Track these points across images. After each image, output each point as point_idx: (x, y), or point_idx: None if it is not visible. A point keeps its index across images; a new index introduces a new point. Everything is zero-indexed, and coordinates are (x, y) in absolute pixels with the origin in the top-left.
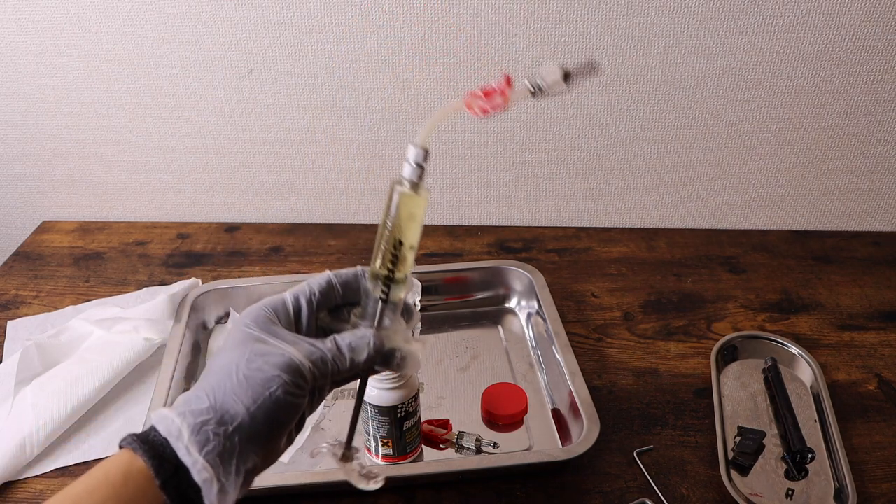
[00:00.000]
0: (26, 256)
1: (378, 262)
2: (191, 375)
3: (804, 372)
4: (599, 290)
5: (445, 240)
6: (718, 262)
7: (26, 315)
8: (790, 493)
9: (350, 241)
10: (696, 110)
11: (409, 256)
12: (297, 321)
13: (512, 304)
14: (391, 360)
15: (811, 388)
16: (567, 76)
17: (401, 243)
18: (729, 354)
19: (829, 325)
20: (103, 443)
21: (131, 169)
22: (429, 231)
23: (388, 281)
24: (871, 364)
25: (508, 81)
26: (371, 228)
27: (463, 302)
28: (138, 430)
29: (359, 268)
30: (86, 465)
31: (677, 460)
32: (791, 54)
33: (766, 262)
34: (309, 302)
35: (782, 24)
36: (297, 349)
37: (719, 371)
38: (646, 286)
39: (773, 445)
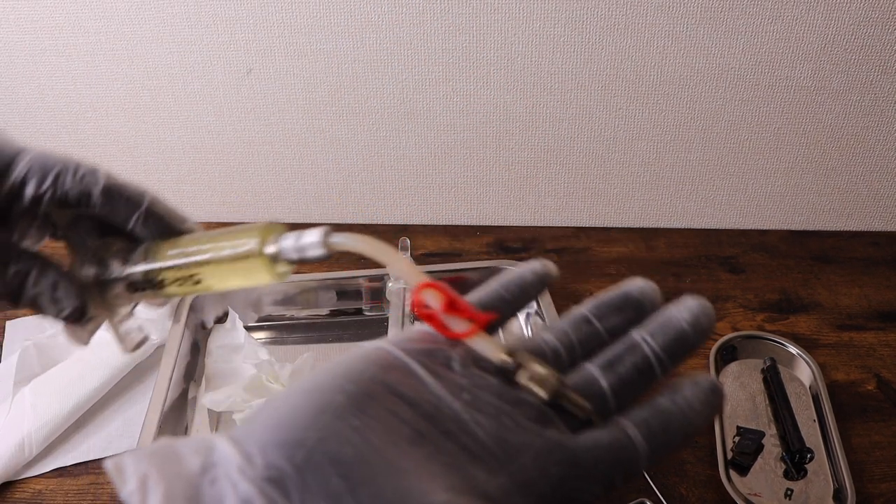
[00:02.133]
0: None
1: (171, 262)
2: (190, 375)
3: (803, 372)
4: (599, 290)
5: (444, 240)
6: (717, 261)
7: (25, 315)
8: (789, 493)
9: None
10: (695, 110)
11: (187, 292)
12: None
13: None
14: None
15: (810, 388)
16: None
17: (198, 282)
18: (728, 354)
19: (829, 325)
20: (102, 443)
21: (130, 169)
22: (428, 231)
23: (149, 284)
24: (870, 364)
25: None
26: (371, 228)
27: None
28: (137, 430)
29: (145, 200)
30: (85, 465)
31: (676, 460)
32: (791, 54)
33: (765, 262)
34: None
35: (782, 23)
36: None
37: (718, 371)
38: None
39: (772, 445)
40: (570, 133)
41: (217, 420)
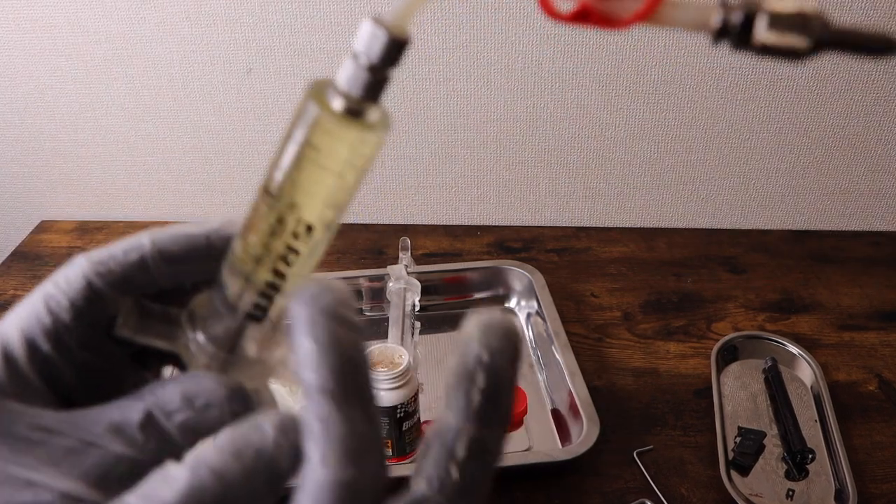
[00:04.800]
0: (24, 256)
1: (255, 251)
2: None
3: (804, 372)
4: (599, 290)
5: (445, 240)
6: (718, 261)
7: None
8: (790, 493)
9: (349, 241)
10: (696, 110)
11: (321, 247)
12: (47, 367)
13: (511, 304)
14: (247, 409)
15: (811, 388)
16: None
17: (309, 228)
18: (729, 354)
19: (830, 325)
20: None
21: (130, 168)
22: (428, 231)
23: (272, 290)
24: (871, 364)
25: None
26: (371, 228)
27: (463, 302)
28: None
29: (220, 225)
30: None
31: (677, 460)
32: None
33: (766, 262)
34: (61, 325)
35: None
36: (62, 471)
37: (719, 371)
38: (646, 286)
39: (773, 446)
40: (570, 133)
41: None
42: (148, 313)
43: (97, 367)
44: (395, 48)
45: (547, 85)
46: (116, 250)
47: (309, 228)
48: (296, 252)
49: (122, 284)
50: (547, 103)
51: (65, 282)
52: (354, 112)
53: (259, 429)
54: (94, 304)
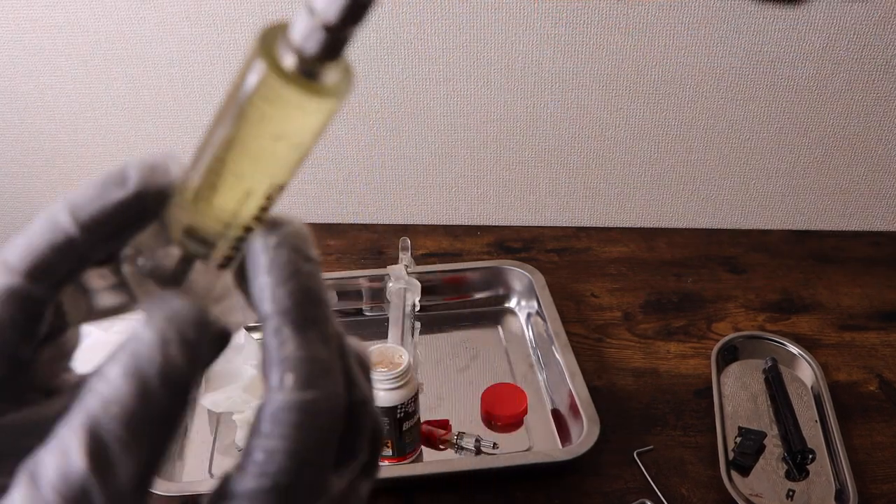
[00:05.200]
0: None
1: (205, 193)
2: None
3: (805, 372)
4: (599, 290)
5: (445, 240)
6: (718, 261)
7: None
8: (791, 493)
9: (349, 241)
10: (696, 110)
11: (253, 209)
12: None
13: (512, 304)
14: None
15: (812, 388)
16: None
17: (245, 186)
18: (729, 354)
19: (830, 325)
20: None
21: None
22: (428, 231)
23: (218, 239)
24: (871, 364)
25: None
26: (371, 228)
27: (463, 302)
28: None
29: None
30: None
31: (677, 461)
32: (791, 54)
33: (766, 262)
34: None
35: (783, 23)
36: None
37: (720, 371)
38: (646, 286)
39: (773, 446)
40: (571, 133)
41: (217, 420)
42: (87, 291)
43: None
44: (357, 6)
45: (547, 85)
46: (35, 239)
47: (245, 185)
48: (229, 200)
49: (50, 279)
50: (547, 103)
51: None
52: (308, 73)
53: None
54: (26, 310)
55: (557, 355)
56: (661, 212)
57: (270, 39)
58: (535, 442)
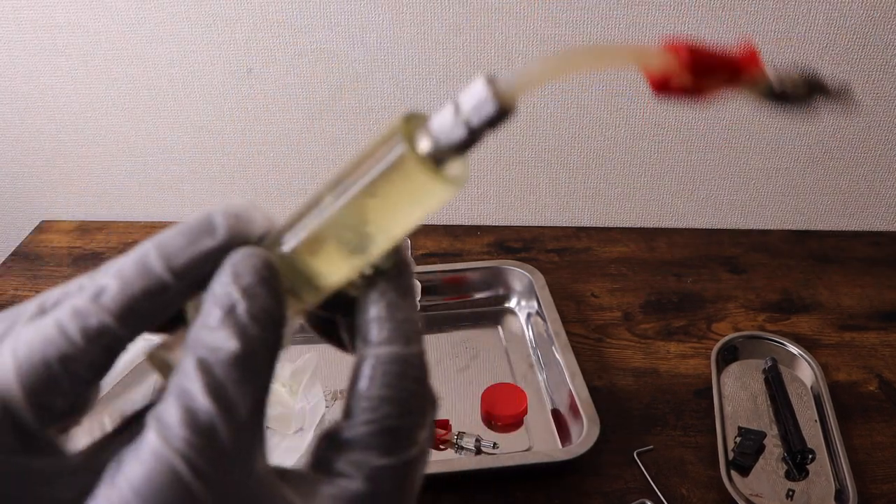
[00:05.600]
0: (24, 256)
1: (303, 251)
2: None
3: (805, 372)
4: (599, 290)
5: (445, 240)
6: (718, 262)
7: None
8: (790, 493)
9: None
10: (696, 110)
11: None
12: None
13: (512, 304)
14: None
15: (812, 388)
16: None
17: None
18: (729, 354)
19: (830, 325)
20: None
21: (130, 168)
22: (428, 231)
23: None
24: (871, 364)
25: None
26: None
27: (463, 302)
28: None
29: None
30: None
31: (677, 461)
32: (792, 53)
33: (766, 262)
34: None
35: (783, 23)
36: None
37: (719, 371)
38: (646, 286)
39: (773, 446)
40: (570, 133)
41: None
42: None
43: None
44: (500, 117)
45: (547, 85)
46: (129, 282)
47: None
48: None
49: (138, 323)
50: (547, 103)
51: (79, 332)
52: (438, 160)
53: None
54: (109, 351)
55: (557, 355)
56: (661, 212)
57: (413, 125)
58: (535, 442)
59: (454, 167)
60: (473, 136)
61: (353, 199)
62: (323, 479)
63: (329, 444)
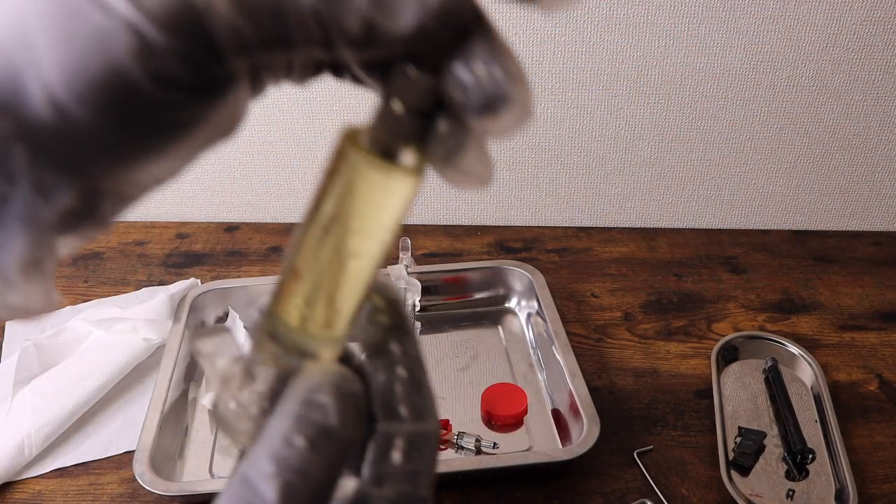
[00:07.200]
0: None
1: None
2: (190, 376)
3: (805, 372)
4: (599, 290)
5: (445, 240)
6: (719, 261)
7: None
8: (791, 493)
9: None
10: (696, 110)
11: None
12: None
13: (512, 304)
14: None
15: (812, 388)
16: None
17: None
18: (729, 355)
19: (830, 325)
20: (102, 443)
21: None
22: (428, 231)
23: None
24: (871, 364)
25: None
26: None
27: (463, 302)
28: (137, 430)
29: None
30: (85, 466)
31: (677, 461)
32: (791, 54)
33: (766, 262)
34: None
35: (783, 23)
36: None
37: (720, 371)
38: (646, 286)
39: (773, 446)
40: (571, 133)
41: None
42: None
43: None
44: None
45: (547, 85)
46: None
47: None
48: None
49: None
50: (547, 103)
51: None
52: (386, 153)
53: (321, 408)
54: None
55: (557, 355)
56: (661, 212)
57: (356, 134)
58: (535, 442)
59: (407, 157)
60: (406, 120)
61: (325, 233)
62: None
63: None
